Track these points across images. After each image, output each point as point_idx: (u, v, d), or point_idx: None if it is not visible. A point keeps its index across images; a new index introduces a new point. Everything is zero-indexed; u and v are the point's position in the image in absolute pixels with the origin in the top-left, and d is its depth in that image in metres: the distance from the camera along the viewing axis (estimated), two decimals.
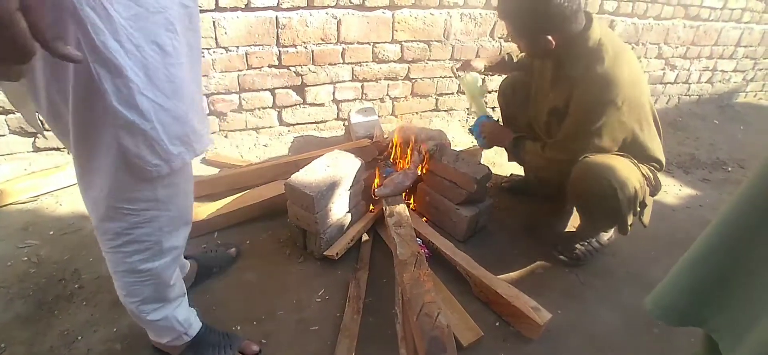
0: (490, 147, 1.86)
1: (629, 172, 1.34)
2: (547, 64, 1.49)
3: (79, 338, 1.17)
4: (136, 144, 0.72)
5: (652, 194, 1.49)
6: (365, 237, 1.58)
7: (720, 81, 3.63)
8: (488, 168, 1.62)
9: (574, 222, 1.83)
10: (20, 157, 1.84)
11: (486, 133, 1.75)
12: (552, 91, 1.48)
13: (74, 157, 0.75)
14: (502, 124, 1.90)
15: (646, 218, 1.50)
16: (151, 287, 0.91)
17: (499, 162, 2.23)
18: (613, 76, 1.29)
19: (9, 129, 1.78)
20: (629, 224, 1.44)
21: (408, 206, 1.70)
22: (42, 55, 0.60)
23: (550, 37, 1.29)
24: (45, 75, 0.64)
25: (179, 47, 0.71)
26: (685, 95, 3.55)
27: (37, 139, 1.84)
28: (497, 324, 1.33)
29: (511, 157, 1.72)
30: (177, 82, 0.72)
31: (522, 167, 1.84)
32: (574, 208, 1.78)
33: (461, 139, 2.50)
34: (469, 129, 1.70)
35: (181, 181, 0.85)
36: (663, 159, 1.49)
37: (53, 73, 0.64)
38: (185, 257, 1.27)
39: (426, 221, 1.69)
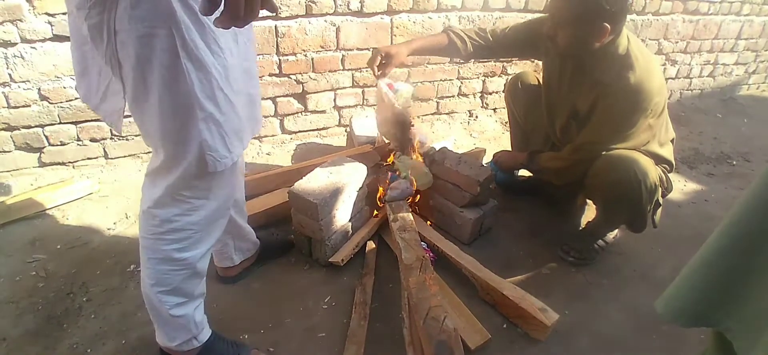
0: (509, 176, 1.97)
1: (650, 165, 1.37)
2: (567, 65, 1.48)
3: (89, 351, 1.18)
4: (213, 138, 0.81)
5: (664, 195, 1.49)
6: (370, 243, 1.59)
7: (722, 74, 3.61)
8: (491, 170, 1.63)
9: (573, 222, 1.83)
10: (26, 173, 1.86)
11: (500, 162, 1.84)
12: (572, 94, 1.48)
13: (161, 143, 0.81)
14: (509, 123, 1.95)
15: (658, 217, 1.51)
16: (182, 276, 0.94)
17: None
18: (645, 86, 1.30)
19: (15, 145, 1.80)
20: (645, 219, 1.45)
21: (412, 210, 1.70)
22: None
23: (607, 25, 1.26)
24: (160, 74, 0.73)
25: (240, 50, 0.84)
26: (687, 90, 3.53)
27: (42, 155, 1.86)
28: (504, 326, 1.33)
29: (530, 171, 1.77)
30: (239, 81, 0.83)
31: (537, 176, 1.84)
32: (585, 205, 1.79)
33: (464, 142, 2.50)
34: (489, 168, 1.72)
35: (231, 174, 0.92)
36: (673, 161, 1.52)
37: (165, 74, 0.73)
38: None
39: (430, 225, 1.69)
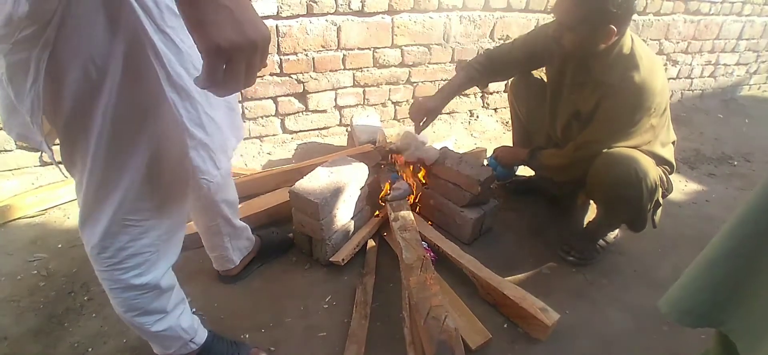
0: (509, 172, 1.97)
1: (651, 165, 1.37)
2: (568, 66, 1.48)
3: (90, 349, 1.18)
4: (203, 161, 0.78)
5: (664, 196, 1.50)
6: (371, 242, 1.59)
7: (723, 75, 3.61)
8: (492, 170, 1.63)
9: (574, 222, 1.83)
10: (27, 172, 1.86)
11: (501, 158, 1.83)
12: (573, 95, 1.49)
13: (89, 175, 0.73)
14: (511, 121, 1.95)
15: (658, 217, 1.51)
16: (149, 298, 0.91)
17: None
18: (649, 85, 1.31)
19: (16, 144, 1.80)
20: (645, 219, 1.45)
21: (413, 210, 1.70)
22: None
23: (613, 27, 1.26)
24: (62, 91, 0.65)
25: None
26: (688, 90, 3.53)
27: (43, 154, 1.86)
28: (505, 326, 1.33)
29: (531, 167, 1.77)
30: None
31: (538, 173, 1.83)
32: (586, 205, 1.79)
33: (464, 142, 2.50)
34: (487, 165, 1.72)
35: (182, 186, 0.86)
36: (674, 162, 1.52)
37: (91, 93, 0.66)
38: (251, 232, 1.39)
39: (431, 225, 1.69)
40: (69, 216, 1.66)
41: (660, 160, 1.46)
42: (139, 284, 0.87)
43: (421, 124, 1.67)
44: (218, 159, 0.82)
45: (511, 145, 1.99)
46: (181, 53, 0.68)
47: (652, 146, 1.43)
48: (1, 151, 1.79)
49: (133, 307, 0.91)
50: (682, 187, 2.24)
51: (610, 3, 1.22)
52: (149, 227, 0.83)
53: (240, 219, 1.32)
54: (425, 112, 1.65)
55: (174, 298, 0.98)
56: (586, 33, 1.31)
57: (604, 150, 1.39)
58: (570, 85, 1.49)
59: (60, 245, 1.52)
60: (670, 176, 1.53)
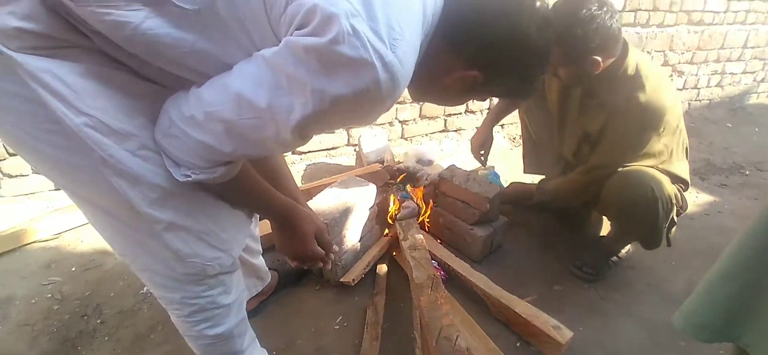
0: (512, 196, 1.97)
1: (666, 183, 1.36)
2: (575, 93, 1.50)
3: None
4: (187, 244, 0.71)
5: (679, 214, 1.48)
6: (381, 263, 1.58)
7: (730, 84, 3.60)
8: (500, 186, 1.62)
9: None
10: (43, 197, 1.89)
11: (508, 196, 1.85)
12: (582, 118, 1.50)
13: (126, 255, 0.76)
14: (522, 137, 1.95)
15: (672, 235, 1.49)
16: (224, 345, 0.91)
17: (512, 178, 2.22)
18: (656, 104, 1.31)
19: (31, 169, 1.84)
20: (660, 238, 1.43)
21: (422, 229, 1.70)
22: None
23: (598, 58, 1.29)
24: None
25: None
26: (696, 101, 3.52)
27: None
28: (518, 345, 1.31)
29: (542, 201, 1.73)
30: None
31: (552, 205, 1.80)
32: (600, 222, 1.77)
33: (472, 159, 2.50)
34: (487, 179, 1.73)
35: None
36: (689, 180, 1.50)
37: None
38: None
39: (441, 243, 1.69)
40: (83, 240, 1.68)
41: (675, 179, 1.45)
42: (213, 334, 0.87)
43: (483, 156, 1.82)
44: (216, 238, 0.74)
45: (518, 163, 1.99)
46: (118, 135, 0.61)
47: (666, 164, 1.42)
48: (17, 175, 1.83)
49: (209, 352, 0.91)
50: (693, 198, 2.22)
51: (587, 40, 1.25)
52: (215, 284, 0.82)
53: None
54: (480, 145, 1.80)
55: (247, 340, 0.98)
56: (573, 67, 1.33)
57: (619, 169, 1.38)
58: (578, 108, 1.50)
59: (74, 269, 1.54)
60: (684, 193, 1.52)
